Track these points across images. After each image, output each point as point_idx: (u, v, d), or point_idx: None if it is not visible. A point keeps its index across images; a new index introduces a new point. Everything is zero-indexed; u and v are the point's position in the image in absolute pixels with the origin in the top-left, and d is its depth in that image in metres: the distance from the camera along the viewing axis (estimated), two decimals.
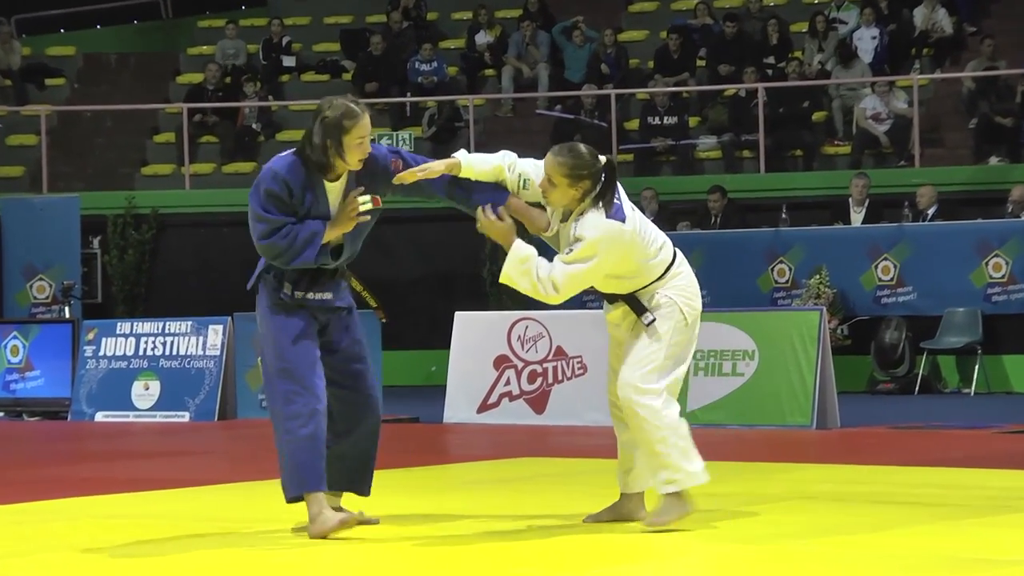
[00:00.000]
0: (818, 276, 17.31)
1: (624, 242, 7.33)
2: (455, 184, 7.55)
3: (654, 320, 7.45)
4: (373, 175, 7.47)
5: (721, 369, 13.22)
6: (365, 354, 7.76)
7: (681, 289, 7.52)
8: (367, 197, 7.37)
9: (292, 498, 7.41)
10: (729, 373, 13.17)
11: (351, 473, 7.65)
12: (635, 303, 7.49)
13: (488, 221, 7.45)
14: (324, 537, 7.27)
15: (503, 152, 7.64)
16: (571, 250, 7.33)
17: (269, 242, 7.38)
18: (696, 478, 7.43)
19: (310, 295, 7.47)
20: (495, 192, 7.52)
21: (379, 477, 10.08)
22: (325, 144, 7.30)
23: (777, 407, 12.96)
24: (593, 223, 7.32)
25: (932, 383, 17.26)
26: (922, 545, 7.10)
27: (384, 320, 8.07)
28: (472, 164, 7.54)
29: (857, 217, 18.37)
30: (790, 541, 7.18)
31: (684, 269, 7.56)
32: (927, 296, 17.32)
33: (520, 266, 7.36)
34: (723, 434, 12.69)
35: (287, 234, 7.34)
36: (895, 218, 18.03)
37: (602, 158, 7.43)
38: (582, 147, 7.44)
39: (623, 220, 7.34)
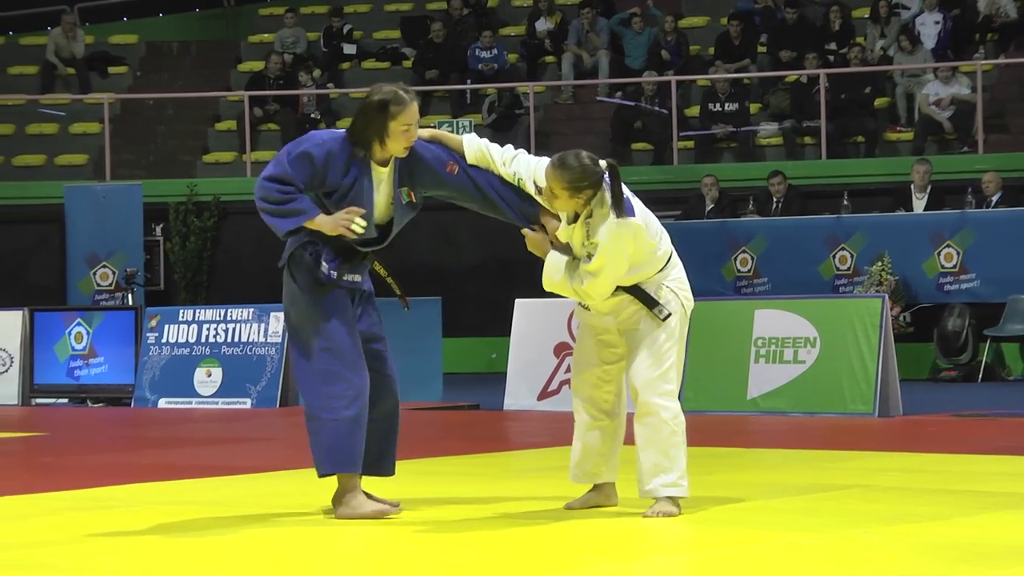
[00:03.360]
0: (880, 263, 17.22)
1: (636, 236, 7.34)
2: (492, 189, 7.55)
3: (670, 315, 7.44)
4: (416, 170, 7.48)
5: (782, 356, 13.16)
6: (384, 336, 7.77)
7: (679, 281, 7.54)
8: (364, 223, 7.32)
9: (325, 474, 7.42)
10: (791, 360, 13.11)
11: (375, 453, 7.62)
12: (643, 295, 7.45)
13: (538, 237, 7.45)
14: (350, 519, 7.32)
15: (508, 146, 7.64)
16: (591, 257, 7.34)
17: (270, 185, 7.28)
18: (687, 484, 7.47)
19: (345, 276, 7.48)
20: (529, 204, 7.51)
21: (437, 464, 10.12)
22: (370, 127, 7.31)
23: (839, 395, 12.90)
24: (606, 229, 7.30)
25: (995, 371, 17.14)
26: (986, 533, 7.05)
27: (407, 309, 8.10)
28: (467, 142, 7.57)
29: (919, 204, 18.26)
30: (852, 530, 7.14)
31: (677, 261, 7.57)
32: (990, 283, 17.20)
33: (556, 275, 7.41)
34: (784, 422, 12.64)
35: (286, 192, 7.29)
36: (958, 204, 17.91)
37: (602, 163, 7.36)
38: (582, 155, 7.34)
39: (633, 215, 7.33)
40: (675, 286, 7.49)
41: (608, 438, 7.73)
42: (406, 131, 7.33)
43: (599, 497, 7.78)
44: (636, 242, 7.35)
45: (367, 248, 7.55)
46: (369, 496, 7.49)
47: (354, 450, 7.37)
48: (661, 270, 7.46)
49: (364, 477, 7.58)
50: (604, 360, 7.65)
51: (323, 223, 7.32)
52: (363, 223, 7.33)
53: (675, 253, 7.58)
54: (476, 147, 7.60)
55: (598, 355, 7.64)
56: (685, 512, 7.59)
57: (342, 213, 7.32)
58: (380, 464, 7.65)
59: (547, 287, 7.52)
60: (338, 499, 7.45)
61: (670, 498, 7.44)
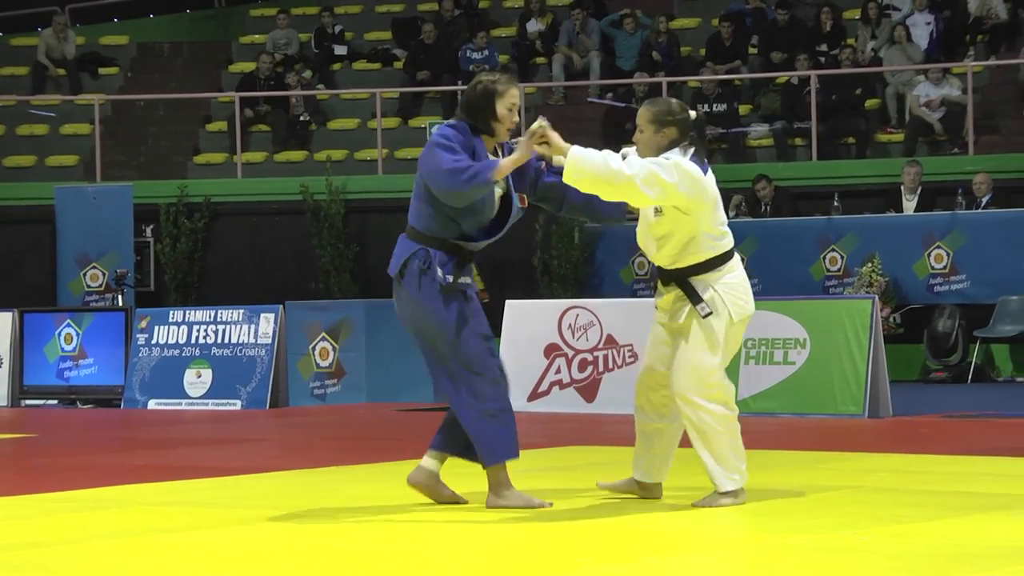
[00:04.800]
0: (870, 264, 17.24)
1: (699, 180, 7.54)
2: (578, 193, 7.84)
3: (710, 313, 7.59)
4: (519, 173, 7.82)
5: (773, 357, 13.17)
6: (491, 333, 7.99)
7: (731, 287, 7.68)
8: (545, 122, 7.62)
9: (489, 464, 7.76)
10: (781, 361, 13.12)
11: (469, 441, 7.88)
12: (689, 289, 7.61)
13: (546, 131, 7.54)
14: (499, 508, 7.65)
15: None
16: (657, 211, 7.63)
17: (452, 167, 7.55)
18: (745, 478, 7.72)
19: (460, 280, 7.73)
20: (617, 206, 7.87)
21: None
22: (480, 113, 7.71)
23: (829, 396, 12.91)
24: (675, 154, 7.60)
25: (985, 372, 17.16)
26: (975, 534, 7.06)
27: (487, 300, 8.25)
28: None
29: (910, 205, 18.28)
30: (842, 531, 7.15)
31: (738, 269, 7.74)
32: (981, 284, 17.22)
33: (581, 159, 7.43)
34: (774, 422, 12.65)
35: (463, 159, 7.58)
36: (948, 206, 17.93)
37: (692, 112, 7.71)
38: (672, 99, 7.79)
39: (704, 172, 7.60)
40: (723, 291, 7.65)
41: (661, 441, 7.93)
42: (511, 110, 7.75)
43: (635, 487, 7.96)
44: (700, 189, 7.53)
45: (479, 244, 7.78)
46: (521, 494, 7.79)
47: (504, 440, 7.70)
48: (716, 269, 7.63)
49: (454, 459, 7.92)
50: (667, 364, 7.79)
51: (519, 153, 7.60)
52: (543, 122, 7.60)
53: (739, 260, 7.76)
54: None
55: (658, 358, 7.82)
56: (676, 513, 7.60)
57: (522, 139, 7.60)
58: (472, 450, 7.92)
59: (572, 173, 7.48)
60: (492, 490, 7.76)
61: (726, 492, 7.64)
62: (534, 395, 13.90)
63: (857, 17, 21.88)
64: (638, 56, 22.09)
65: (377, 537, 7.21)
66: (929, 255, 17.41)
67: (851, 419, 12.68)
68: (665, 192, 7.51)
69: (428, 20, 23.47)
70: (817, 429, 12.29)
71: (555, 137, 7.52)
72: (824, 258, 17.84)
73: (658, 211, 7.65)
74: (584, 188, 7.59)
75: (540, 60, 22.90)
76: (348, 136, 22.33)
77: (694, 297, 7.63)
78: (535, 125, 7.58)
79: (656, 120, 7.67)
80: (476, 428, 7.72)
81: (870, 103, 20.69)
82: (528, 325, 14.03)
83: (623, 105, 21.06)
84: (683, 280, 7.67)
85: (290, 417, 14.27)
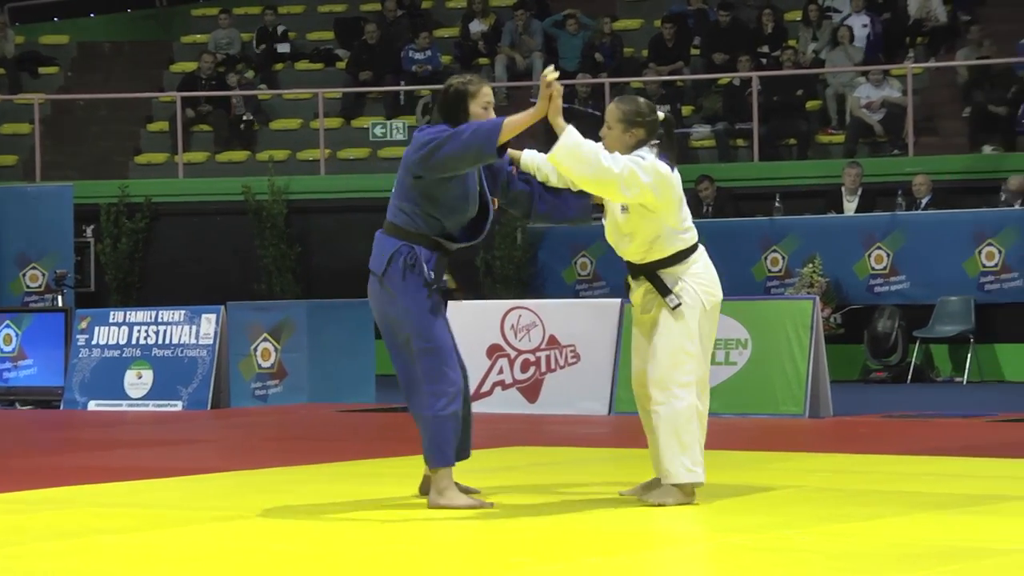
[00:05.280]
0: (811, 265, 17.32)
1: (668, 181, 7.73)
2: (547, 193, 8.03)
3: (680, 304, 7.76)
4: (491, 174, 7.95)
5: (714, 358, 13.15)
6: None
7: (698, 276, 7.87)
8: (553, 69, 7.66)
9: (435, 467, 7.80)
10: (722, 362, 13.16)
11: (461, 437, 7.96)
12: (659, 282, 7.79)
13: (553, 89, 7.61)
14: (442, 509, 7.68)
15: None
16: (624, 209, 7.77)
17: (461, 128, 7.64)
18: (703, 477, 7.80)
19: (441, 277, 7.80)
20: (580, 198, 8.00)
21: (375, 466, 10.11)
22: (456, 114, 7.76)
23: (770, 396, 12.96)
24: (647, 153, 7.75)
25: (925, 372, 17.27)
26: (915, 534, 7.10)
27: (461, 294, 8.35)
28: (530, 157, 8.05)
29: (850, 206, 18.38)
30: (783, 531, 7.18)
31: (703, 259, 7.93)
32: (920, 285, 17.33)
33: (575, 147, 7.56)
34: (716, 423, 12.60)
35: (464, 128, 7.66)
36: (889, 207, 18.03)
37: (660, 112, 7.88)
38: (641, 99, 7.94)
39: (671, 169, 7.80)
40: (693, 281, 7.83)
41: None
42: (486, 109, 7.79)
43: (651, 489, 7.97)
44: (667, 187, 7.70)
45: (459, 244, 7.85)
46: (462, 489, 7.85)
47: (452, 446, 7.77)
48: (683, 261, 7.80)
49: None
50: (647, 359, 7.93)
51: (538, 109, 7.62)
52: (552, 69, 7.65)
53: (704, 252, 7.93)
54: (529, 157, 8.04)
55: (646, 358, 7.92)
56: (617, 512, 7.61)
57: (540, 92, 7.62)
58: (465, 449, 8.01)
59: (560, 156, 7.60)
60: (435, 490, 7.79)
61: (678, 485, 7.72)
62: (476, 395, 13.87)
63: (798, 19, 21.98)
64: (581, 57, 22.13)
65: (318, 538, 7.19)
66: (869, 256, 17.51)
67: (792, 419, 12.74)
68: (641, 193, 7.68)
69: (371, 20, 23.43)
70: (758, 429, 12.34)
71: (558, 100, 7.63)
72: (765, 259, 17.91)
73: (625, 209, 7.80)
74: (564, 172, 7.69)
75: (483, 61, 22.91)
76: (290, 136, 22.27)
77: (663, 289, 7.80)
78: (549, 75, 7.57)
79: (626, 119, 7.82)
80: (431, 429, 7.75)
81: (811, 104, 20.79)
82: (470, 326, 14.00)
83: (566, 106, 20.98)
84: (652, 274, 7.83)
85: (231, 418, 14.22)
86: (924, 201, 18.00)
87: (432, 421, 7.75)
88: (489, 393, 13.85)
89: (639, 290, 7.94)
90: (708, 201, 18.93)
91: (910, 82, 19.81)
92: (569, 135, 7.58)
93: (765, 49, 21.50)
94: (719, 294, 7.97)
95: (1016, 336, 17.18)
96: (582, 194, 7.99)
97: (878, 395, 15.58)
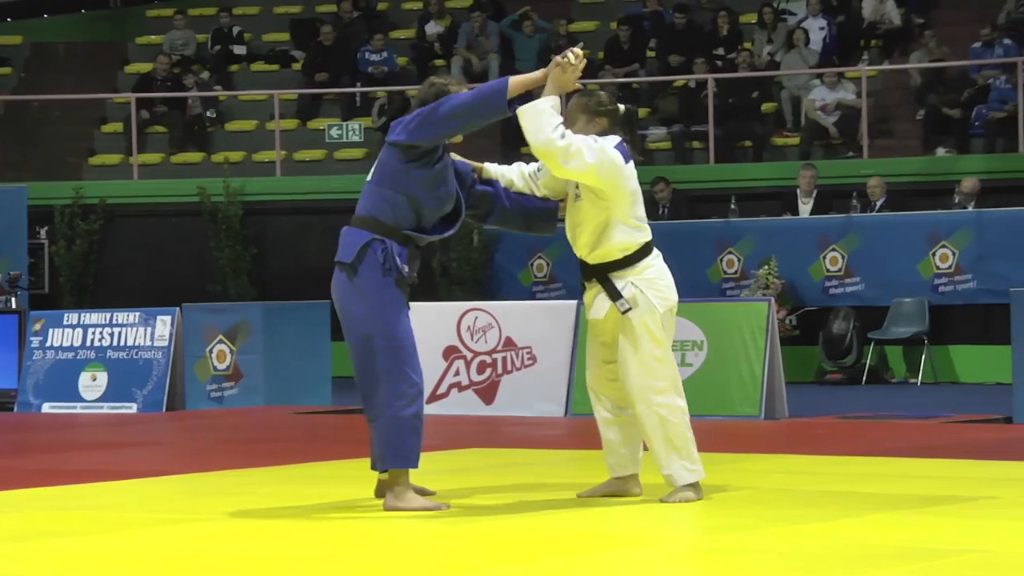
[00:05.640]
0: (767, 267, 17.37)
1: (618, 167, 7.82)
2: (511, 194, 8.09)
3: (629, 309, 7.80)
4: (458, 176, 7.94)
5: None
6: None
7: (652, 281, 7.92)
8: (580, 51, 7.86)
9: (385, 468, 7.74)
10: (678, 363, 13.16)
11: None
12: (609, 285, 7.84)
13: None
14: (398, 511, 7.64)
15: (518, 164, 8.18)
16: (579, 197, 7.89)
17: (450, 101, 7.66)
18: (703, 472, 7.95)
19: (413, 272, 7.78)
20: (543, 201, 8.08)
21: (331, 468, 10.09)
22: None
23: (726, 397, 12.99)
24: (605, 140, 7.87)
25: (879, 373, 17.34)
26: (870, 535, 7.13)
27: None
28: (493, 168, 8.17)
29: (805, 208, 18.44)
30: (738, 532, 7.20)
31: (656, 263, 7.99)
32: (875, 287, 17.40)
33: (541, 112, 7.69)
34: None
35: (459, 93, 7.73)
36: (844, 209, 18.10)
37: (621, 106, 8.02)
38: (602, 91, 8.10)
39: (627, 162, 7.90)
40: (644, 286, 7.89)
41: (625, 432, 8.08)
42: None
43: (616, 487, 8.08)
44: (620, 174, 7.79)
45: (429, 238, 7.83)
46: (417, 489, 7.81)
47: (413, 447, 7.70)
48: (633, 265, 7.85)
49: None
50: (606, 360, 8.03)
51: (540, 72, 7.83)
52: (580, 52, 7.83)
53: (658, 257, 8.00)
54: (493, 168, 8.14)
55: (600, 355, 8.04)
56: (573, 514, 7.62)
57: (555, 65, 7.77)
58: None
59: (527, 117, 7.72)
60: (391, 492, 7.73)
61: (688, 485, 7.84)
62: (433, 397, 13.88)
63: (753, 21, 22.05)
64: (537, 58, 22.14)
65: (272, 540, 7.18)
66: (824, 258, 17.57)
67: (748, 420, 12.77)
68: (583, 169, 7.72)
69: (327, 21, 23.39)
70: (714, 430, 12.34)
71: (572, 75, 7.80)
72: (721, 260, 17.95)
73: (578, 196, 7.87)
74: (526, 130, 7.70)
75: (439, 62, 22.90)
76: (246, 138, 22.21)
77: (613, 293, 7.83)
78: (573, 54, 7.80)
79: (588, 110, 7.96)
80: (388, 429, 7.69)
81: (766, 107, 20.86)
82: (427, 327, 13.97)
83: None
84: (603, 276, 7.85)
85: (187, 420, 14.17)
86: (878, 203, 18.08)
87: (390, 421, 7.69)
88: (445, 395, 13.85)
89: (591, 292, 7.97)
90: (664, 203, 18.97)
91: (864, 84, 19.89)
92: (547, 99, 7.72)
93: (721, 51, 21.56)
94: (674, 297, 8.02)
95: (970, 337, 17.27)
96: (545, 202, 8.06)
97: (833, 396, 15.64)
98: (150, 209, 20.80)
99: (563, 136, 7.69)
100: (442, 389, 13.87)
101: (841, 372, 17.29)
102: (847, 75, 20.44)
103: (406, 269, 7.71)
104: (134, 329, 14.98)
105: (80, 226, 20.68)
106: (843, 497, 8.37)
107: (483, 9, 22.99)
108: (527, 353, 13.69)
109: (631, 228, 7.89)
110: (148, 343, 14.88)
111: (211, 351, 14.97)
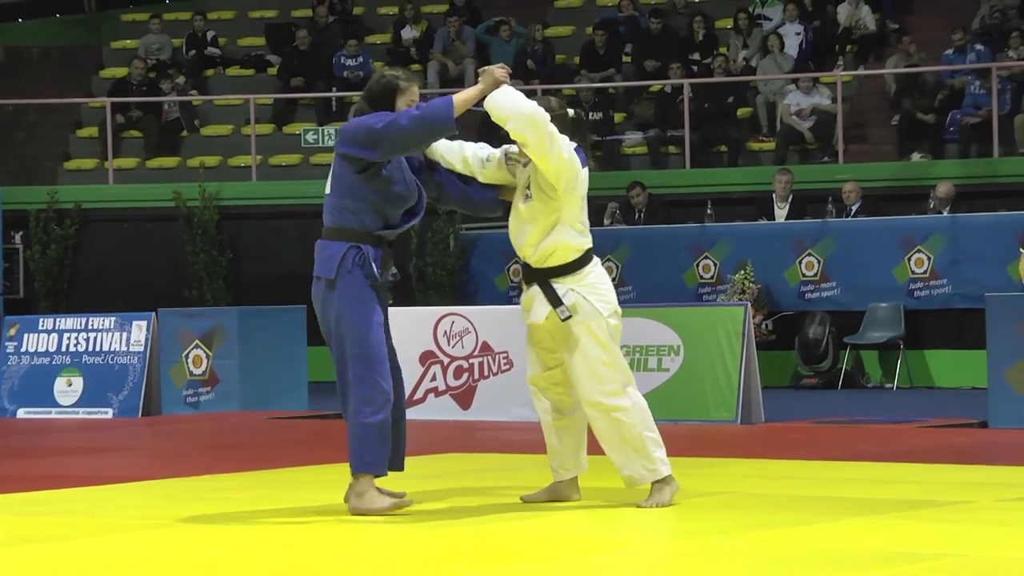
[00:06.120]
0: (743, 271, 17.39)
1: (575, 165, 7.84)
2: (456, 180, 8.19)
3: (570, 316, 7.80)
4: (416, 167, 8.03)
5: (646, 364, 13.25)
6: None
7: (592, 287, 7.94)
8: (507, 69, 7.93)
9: (355, 473, 7.79)
10: (655, 368, 13.20)
11: (394, 448, 7.93)
12: (550, 291, 7.85)
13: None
14: (363, 514, 7.67)
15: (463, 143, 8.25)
16: (528, 198, 7.93)
17: (393, 115, 7.71)
18: (667, 465, 7.95)
19: (389, 275, 7.83)
20: (485, 189, 8.19)
21: (307, 473, 10.08)
22: (379, 100, 7.81)
23: (702, 402, 13.01)
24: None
25: (855, 378, 17.38)
26: (846, 539, 7.14)
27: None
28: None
29: (781, 213, 18.47)
30: (714, 536, 7.21)
31: (597, 270, 8.01)
32: (850, 291, 17.44)
33: (514, 94, 7.80)
34: None
35: (408, 109, 7.76)
36: (819, 214, 18.13)
37: (570, 111, 8.06)
38: (552, 97, 8.15)
39: (583, 165, 7.96)
40: (586, 292, 7.89)
41: (568, 435, 8.12)
42: (411, 106, 7.84)
43: (557, 491, 8.11)
44: (574, 173, 7.80)
45: (398, 231, 7.88)
46: (382, 491, 7.82)
47: (378, 455, 7.74)
48: (575, 272, 7.88)
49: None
50: (547, 365, 8.06)
51: (479, 86, 7.79)
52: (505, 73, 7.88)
53: (599, 264, 8.03)
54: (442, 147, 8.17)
55: (541, 361, 8.06)
56: (550, 518, 7.62)
57: (488, 73, 7.82)
58: (399, 459, 7.99)
59: (496, 105, 7.81)
60: (354, 494, 7.77)
61: (659, 483, 7.88)
62: (410, 402, 13.82)
63: (729, 27, 22.09)
64: (513, 64, 22.15)
65: (250, 544, 7.16)
66: (800, 262, 17.60)
67: (724, 425, 12.79)
68: (558, 163, 7.76)
69: (302, 26, 23.36)
70: (690, 435, 12.37)
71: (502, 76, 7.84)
72: (697, 265, 17.97)
73: (528, 196, 7.90)
74: (499, 114, 7.76)
75: (415, 67, 22.87)
76: (221, 142, 22.17)
77: (554, 299, 7.82)
78: (497, 70, 7.86)
79: None
80: (358, 434, 7.74)
81: (742, 112, 20.89)
82: (403, 332, 13.91)
83: None
84: (544, 281, 7.86)
85: (163, 425, 14.14)
86: (854, 208, 18.11)
87: (358, 427, 7.74)
88: (422, 400, 13.84)
89: (529, 296, 8.00)
90: (640, 208, 18.98)
91: (840, 90, 19.94)
92: (505, 88, 7.82)
93: (696, 56, 21.59)
94: (615, 302, 8.04)
95: (945, 342, 17.32)
96: (487, 186, 8.16)
97: (809, 401, 15.67)
98: (125, 214, 20.75)
99: (541, 112, 7.76)
100: (419, 394, 13.86)
101: (817, 377, 17.32)
102: (822, 80, 20.49)
103: (380, 272, 7.76)
104: (110, 334, 14.95)
105: (55, 231, 20.62)
106: (819, 501, 8.38)
107: (459, 14, 23.00)
108: (504, 358, 13.69)
109: (577, 233, 7.93)
110: (124, 348, 14.85)
111: (187, 356, 14.95)
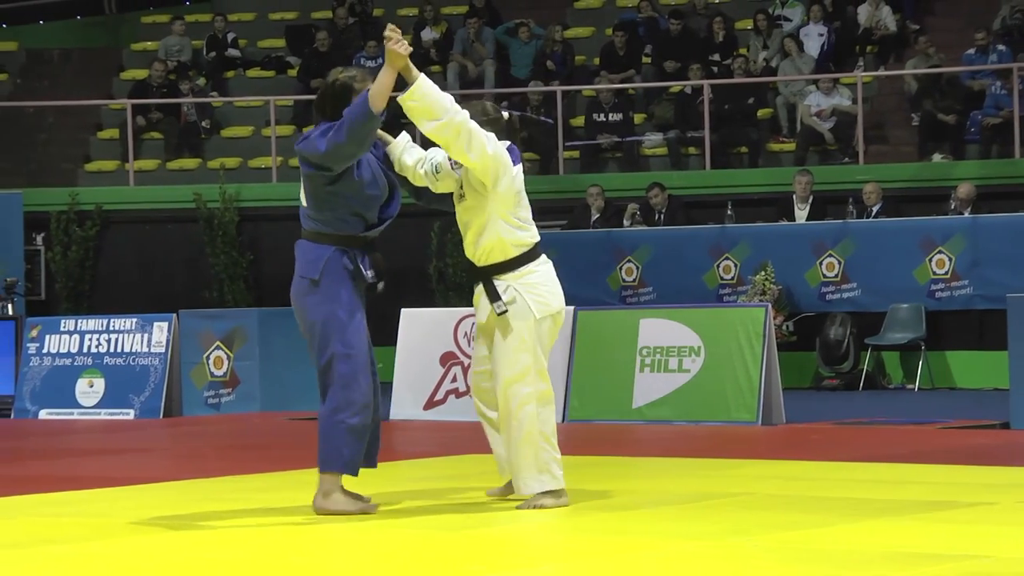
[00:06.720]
0: (763, 272, 17.37)
1: (501, 162, 7.89)
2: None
3: (506, 311, 7.87)
4: (382, 159, 8.06)
5: (667, 365, 13.24)
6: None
7: (532, 286, 7.96)
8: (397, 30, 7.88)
9: (324, 471, 7.81)
10: (675, 369, 13.19)
11: (368, 446, 7.95)
12: (491, 288, 7.90)
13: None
14: (327, 514, 7.70)
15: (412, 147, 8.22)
16: (463, 197, 8.01)
17: (326, 129, 7.72)
18: (560, 482, 7.87)
19: (370, 274, 7.85)
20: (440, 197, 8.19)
21: None
22: (340, 106, 7.78)
23: (723, 403, 12.99)
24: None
25: (876, 379, 17.34)
26: (866, 540, 7.13)
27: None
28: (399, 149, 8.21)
29: (801, 214, 18.45)
30: (735, 537, 7.20)
31: (542, 269, 8.03)
32: (871, 292, 17.40)
33: (432, 90, 7.79)
34: (669, 430, 12.71)
35: (332, 126, 7.73)
36: (839, 215, 18.10)
37: (504, 114, 8.14)
38: (488, 102, 8.20)
39: (517, 163, 8.01)
40: (524, 290, 7.91)
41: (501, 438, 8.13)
42: None
43: (511, 489, 8.13)
44: (504, 169, 7.85)
45: (379, 229, 7.92)
46: (348, 493, 7.84)
47: (353, 456, 7.78)
48: (517, 269, 7.91)
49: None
50: (488, 361, 8.06)
51: (390, 66, 7.72)
52: (394, 29, 7.85)
53: (545, 263, 8.04)
54: (401, 144, 8.19)
55: (483, 356, 8.08)
56: (570, 520, 7.62)
57: (388, 50, 7.76)
58: (373, 456, 8.01)
59: (412, 101, 7.80)
60: (320, 492, 7.79)
61: (545, 493, 7.84)
62: (430, 404, 13.88)
63: (749, 27, 22.07)
64: (532, 65, 22.15)
65: (269, 546, 7.17)
66: (821, 263, 17.57)
67: (745, 426, 12.77)
68: (481, 158, 7.78)
69: (322, 28, 23.39)
70: (711, 436, 12.37)
71: (403, 48, 7.77)
72: (718, 266, 17.95)
73: (462, 197, 7.97)
74: (415, 115, 7.74)
75: (435, 68, 22.89)
76: (241, 144, 22.21)
77: (493, 295, 7.87)
78: (390, 32, 7.82)
79: (475, 120, 7.93)
80: (332, 433, 7.77)
81: (762, 113, 20.87)
82: (424, 334, 14.00)
83: (518, 114, 21.07)
84: (486, 278, 7.93)
85: (184, 426, 14.16)
86: (874, 209, 18.08)
87: (334, 426, 7.76)
88: (443, 401, 13.84)
89: (477, 295, 8.06)
90: (660, 209, 18.97)
91: (860, 91, 19.91)
92: (422, 79, 7.78)
93: (716, 57, 21.58)
94: (556, 304, 8.02)
95: (966, 343, 17.27)
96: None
97: (830, 402, 15.64)
98: (146, 215, 20.80)
99: (463, 111, 7.78)
100: (439, 396, 13.86)
101: (838, 378, 17.30)
102: (842, 81, 20.46)
103: (371, 274, 7.81)
104: (131, 335, 14.98)
105: (76, 232, 20.67)
106: (840, 503, 8.37)
107: (479, 15, 23.01)
108: None
109: (513, 228, 7.94)
110: (145, 349, 14.88)
111: (208, 357, 14.97)
